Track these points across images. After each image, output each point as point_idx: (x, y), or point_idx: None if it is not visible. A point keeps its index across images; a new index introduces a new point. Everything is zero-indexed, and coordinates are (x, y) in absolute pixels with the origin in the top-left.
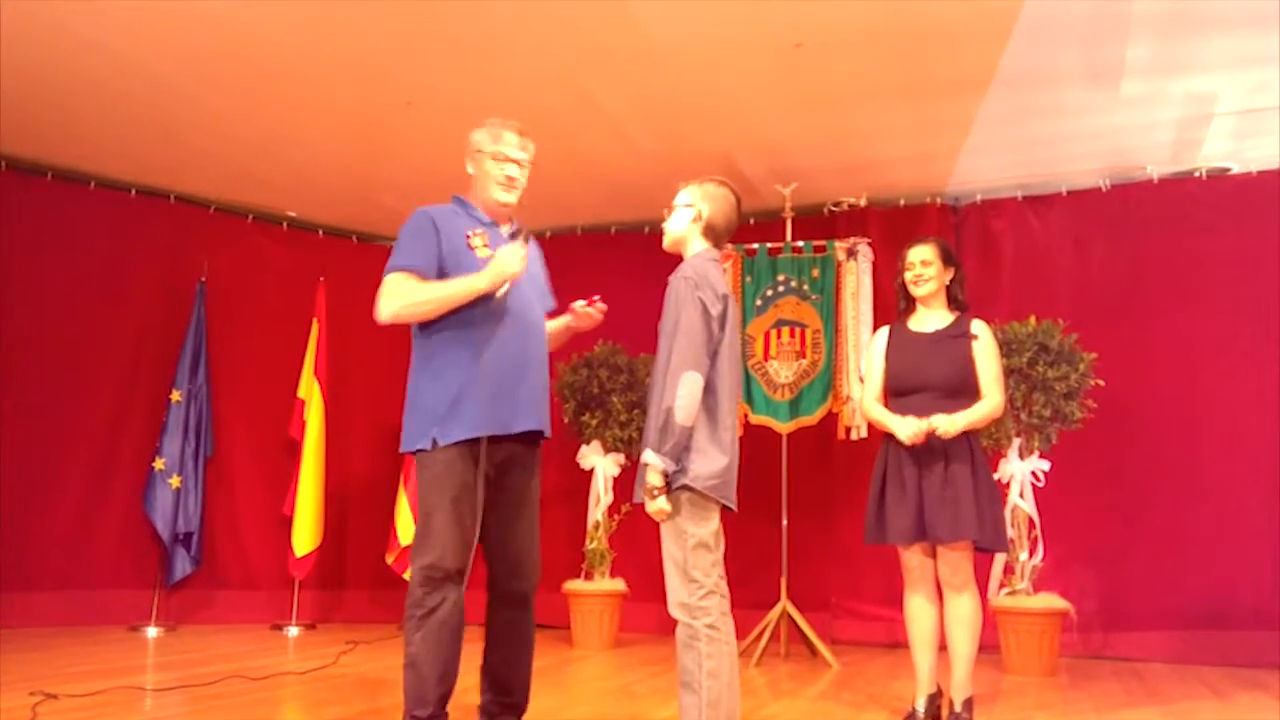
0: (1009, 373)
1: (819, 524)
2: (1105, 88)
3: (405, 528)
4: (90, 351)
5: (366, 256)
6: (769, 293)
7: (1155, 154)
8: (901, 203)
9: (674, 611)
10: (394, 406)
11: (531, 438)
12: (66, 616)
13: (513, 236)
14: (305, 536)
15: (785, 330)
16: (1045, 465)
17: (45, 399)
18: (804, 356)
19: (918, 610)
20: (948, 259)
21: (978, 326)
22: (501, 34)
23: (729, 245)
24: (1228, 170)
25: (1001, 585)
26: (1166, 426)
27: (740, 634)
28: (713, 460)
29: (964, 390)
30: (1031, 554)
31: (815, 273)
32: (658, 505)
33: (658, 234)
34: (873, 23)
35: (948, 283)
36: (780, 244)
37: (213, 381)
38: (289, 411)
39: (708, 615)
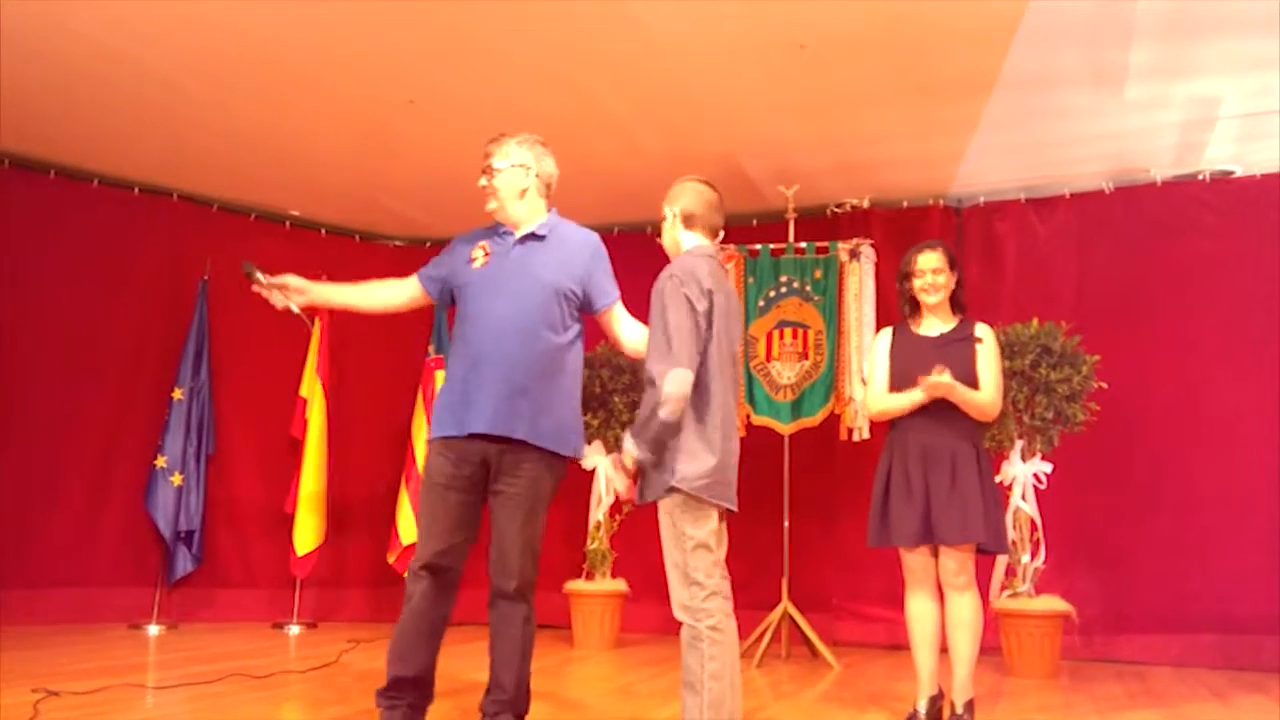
0: (1012, 375)
1: (820, 525)
2: (1109, 91)
3: (407, 527)
4: (92, 349)
5: (369, 255)
6: (771, 294)
7: (1159, 157)
8: (905, 204)
9: (677, 613)
10: (396, 405)
11: (495, 441)
12: (68, 614)
13: (521, 241)
14: (307, 535)
15: (788, 331)
16: (1048, 467)
17: (47, 396)
18: (806, 358)
19: (919, 611)
20: (953, 264)
21: (982, 330)
22: (504, 34)
23: (731, 246)
24: (1231, 173)
25: (1003, 587)
26: (1169, 429)
27: (741, 635)
28: (699, 461)
29: None
30: (1033, 556)
31: (818, 274)
32: (625, 482)
33: (660, 236)
34: (876, 24)
35: (952, 288)
36: (783, 245)
37: (215, 379)
38: (291, 410)
39: (710, 617)
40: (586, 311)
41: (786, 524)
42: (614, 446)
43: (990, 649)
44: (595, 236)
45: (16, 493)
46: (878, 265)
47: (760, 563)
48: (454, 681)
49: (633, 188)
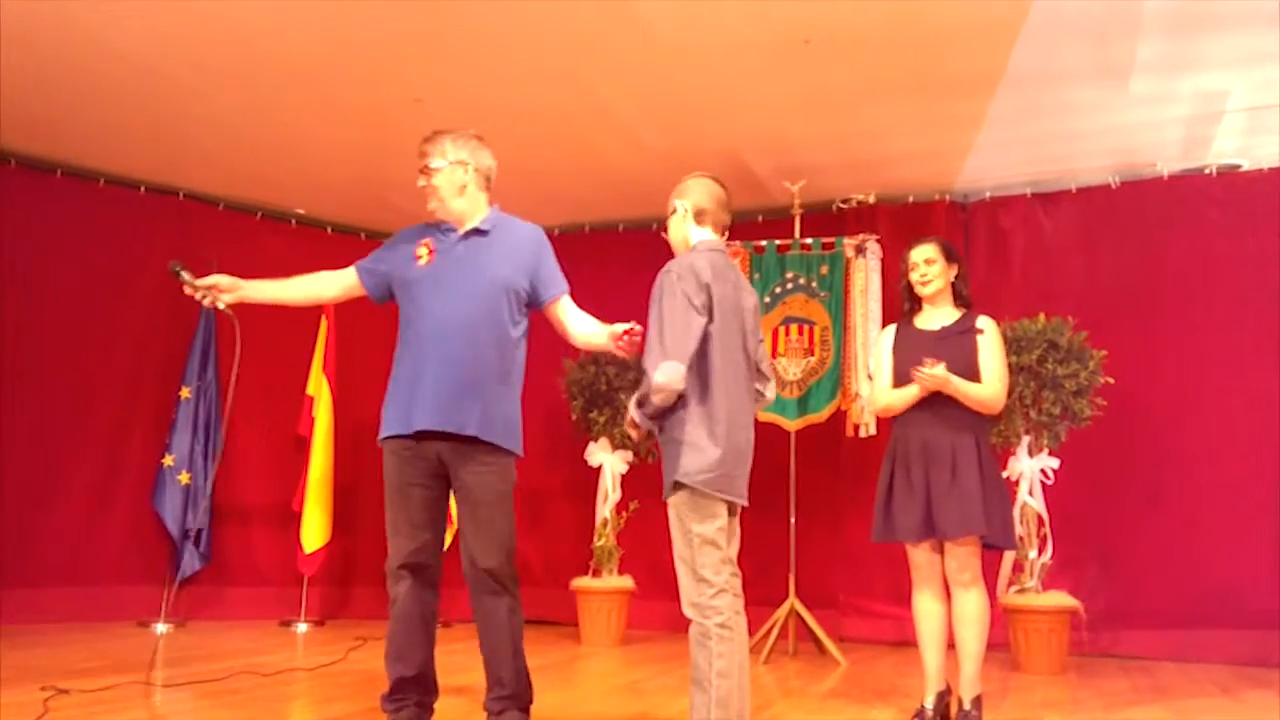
0: (1018, 370)
1: (827, 521)
2: (1115, 85)
3: None
4: (100, 348)
5: None
6: (777, 290)
7: (1165, 151)
8: (910, 200)
9: (686, 610)
10: None
11: (444, 438)
12: (76, 612)
13: (465, 237)
14: (314, 533)
15: (794, 327)
16: (1054, 463)
17: (55, 395)
18: (812, 354)
19: (926, 608)
20: (950, 256)
21: (984, 321)
22: (509, 32)
23: (737, 243)
24: (1238, 167)
25: (1010, 583)
26: (1176, 424)
27: (748, 631)
28: (705, 454)
29: None
30: (1040, 552)
31: (824, 270)
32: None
33: (665, 231)
34: (882, 19)
35: (952, 280)
36: (789, 241)
37: (222, 378)
38: (298, 408)
39: (719, 614)
40: (534, 306)
41: (793, 520)
42: (620, 444)
43: (997, 644)
44: (539, 229)
45: (25, 491)
46: (884, 261)
47: (767, 559)
48: (456, 680)
49: (637, 185)
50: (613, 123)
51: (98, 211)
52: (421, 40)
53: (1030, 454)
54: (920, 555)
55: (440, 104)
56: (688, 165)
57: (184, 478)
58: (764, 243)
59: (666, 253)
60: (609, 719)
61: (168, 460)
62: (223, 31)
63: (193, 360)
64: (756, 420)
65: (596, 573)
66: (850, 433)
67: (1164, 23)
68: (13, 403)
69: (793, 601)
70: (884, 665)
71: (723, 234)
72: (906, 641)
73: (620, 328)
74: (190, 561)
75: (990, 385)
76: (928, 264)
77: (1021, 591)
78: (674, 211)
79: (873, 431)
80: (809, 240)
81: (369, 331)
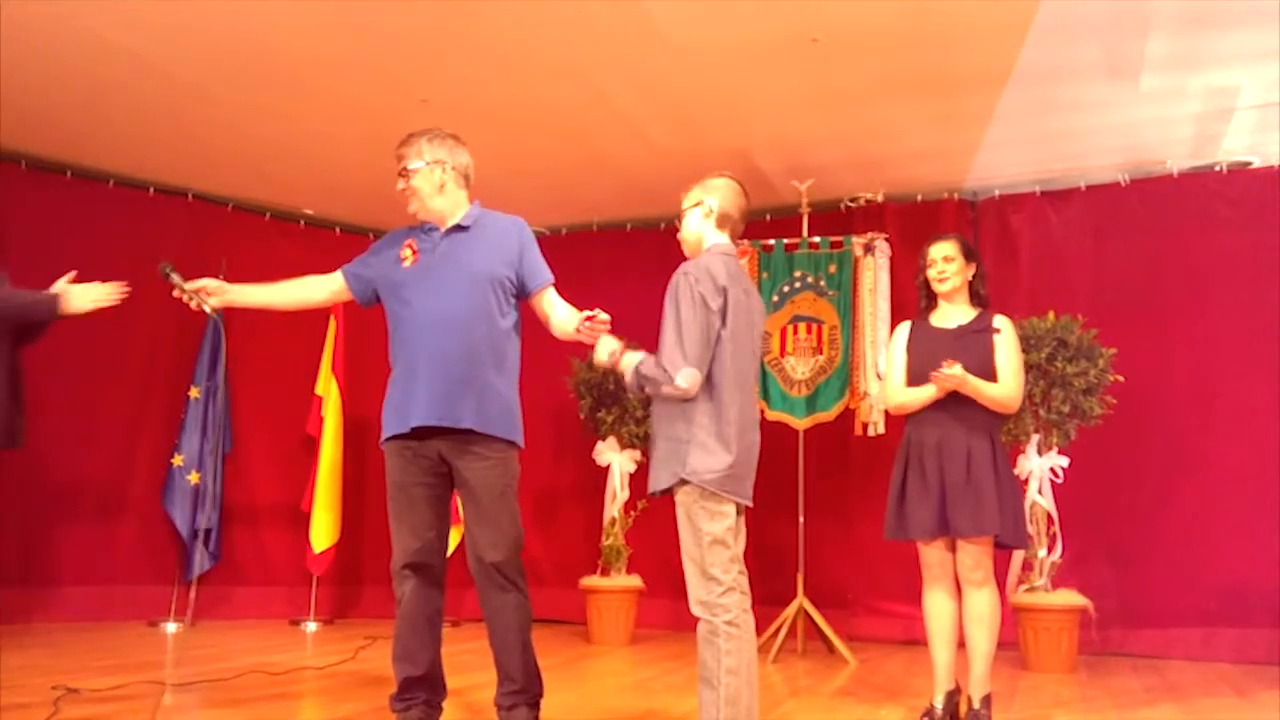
0: (1028, 368)
1: (836, 520)
2: (1125, 82)
3: None
4: (109, 349)
5: None
6: (785, 289)
7: (1175, 148)
8: (919, 198)
9: (694, 609)
10: None
11: (443, 434)
12: (86, 612)
13: (447, 234)
14: (323, 532)
15: (802, 326)
16: (1064, 461)
17: (65, 396)
18: (820, 353)
19: (937, 606)
20: (969, 255)
21: (1000, 321)
22: (517, 32)
23: (745, 241)
24: (1248, 164)
25: (1020, 582)
26: (1186, 422)
27: (757, 631)
28: (715, 456)
29: None
30: (1050, 550)
31: (832, 269)
32: (602, 352)
33: (674, 230)
34: (890, 18)
35: (970, 278)
36: (797, 240)
37: (231, 378)
38: (307, 408)
39: (727, 612)
40: (522, 296)
41: (801, 520)
42: (628, 443)
43: (1007, 643)
44: (521, 220)
45: (35, 491)
46: (892, 259)
47: (776, 558)
48: (467, 680)
49: (646, 184)
50: (621, 122)
51: (107, 213)
52: (428, 41)
53: (1040, 452)
54: (932, 554)
55: (447, 104)
56: (696, 164)
57: (193, 477)
58: (772, 241)
59: (675, 252)
60: (618, 717)
61: (177, 460)
62: (231, 33)
63: (202, 360)
64: (765, 419)
65: (605, 572)
66: (859, 431)
67: (1173, 20)
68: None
69: (801, 600)
70: (893, 664)
71: (734, 241)
72: (915, 640)
73: (585, 314)
74: (200, 561)
75: (1007, 385)
76: (946, 261)
77: (1031, 590)
78: (698, 204)
79: (881, 430)
80: (817, 239)
81: (378, 332)
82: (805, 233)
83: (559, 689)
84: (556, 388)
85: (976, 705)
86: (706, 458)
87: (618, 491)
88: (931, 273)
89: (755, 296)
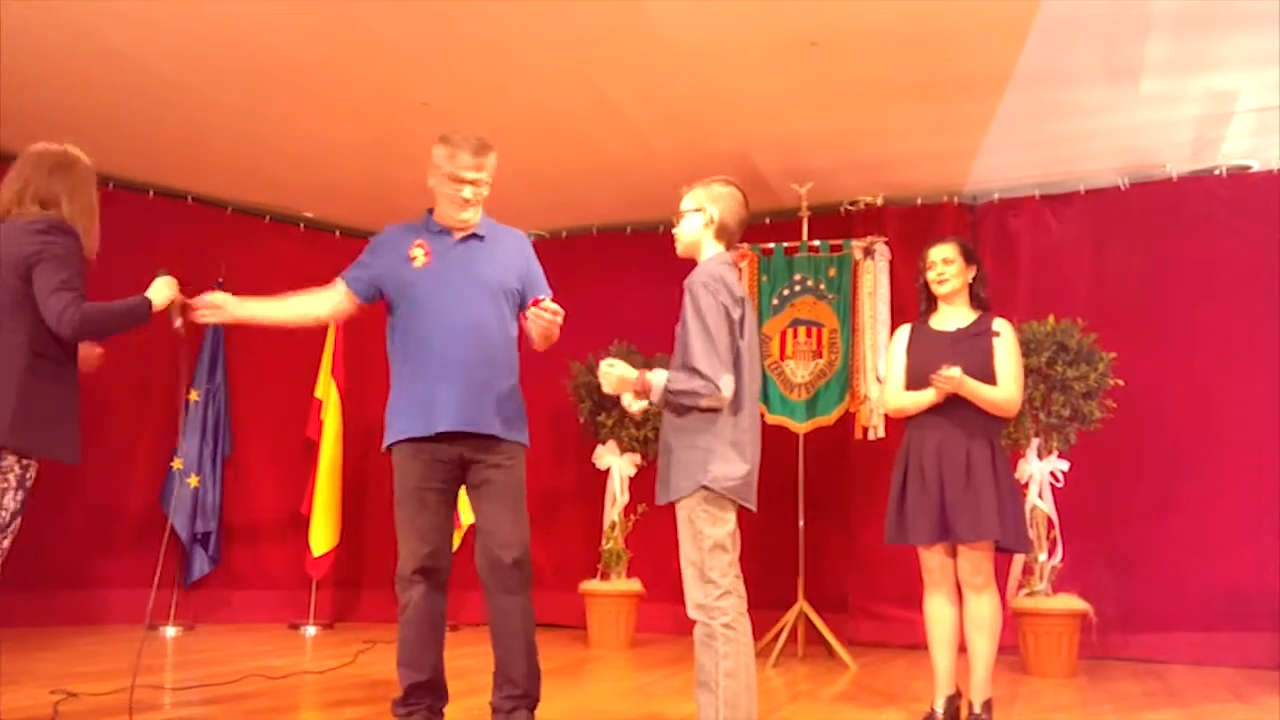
0: (1028, 372)
1: (836, 524)
2: (1124, 86)
3: None
4: (109, 352)
5: None
6: (785, 292)
7: (1174, 152)
8: (918, 202)
9: (692, 612)
10: None
11: (465, 439)
12: (85, 615)
13: (463, 240)
14: (322, 536)
15: (801, 330)
16: (1064, 465)
17: None
18: (820, 356)
19: (937, 611)
20: (969, 257)
21: (1000, 324)
22: (517, 36)
23: (744, 245)
24: (1248, 168)
25: (1020, 586)
26: (1186, 426)
27: (757, 635)
28: (732, 464)
29: None
30: (1050, 555)
31: (832, 272)
32: (613, 382)
33: (672, 234)
34: (889, 21)
35: (970, 281)
36: (797, 243)
37: (230, 381)
38: (306, 411)
39: (724, 615)
40: (521, 308)
41: (802, 523)
42: (628, 446)
43: (1007, 648)
44: (522, 233)
45: (33, 494)
46: (892, 263)
47: (776, 562)
48: (465, 684)
49: (645, 187)
50: (620, 125)
51: (106, 215)
52: (429, 44)
53: (1040, 456)
54: (933, 558)
55: (448, 107)
56: (695, 167)
57: (193, 481)
58: (772, 245)
59: (674, 255)
60: None
61: (177, 464)
62: (230, 35)
63: (202, 364)
64: (765, 423)
65: (605, 576)
66: (859, 435)
67: (1173, 23)
68: None
69: (802, 604)
70: (893, 668)
71: (729, 249)
72: (915, 645)
73: (533, 300)
74: (199, 564)
75: (1006, 388)
76: (945, 263)
77: (1031, 594)
78: (698, 211)
79: (881, 434)
80: (817, 242)
81: (378, 335)
82: (805, 236)
83: (558, 693)
84: (556, 391)
85: (977, 710)
86: (727, 466)
87: (617, 495)
88: (931, 275)
89: (752, 307)
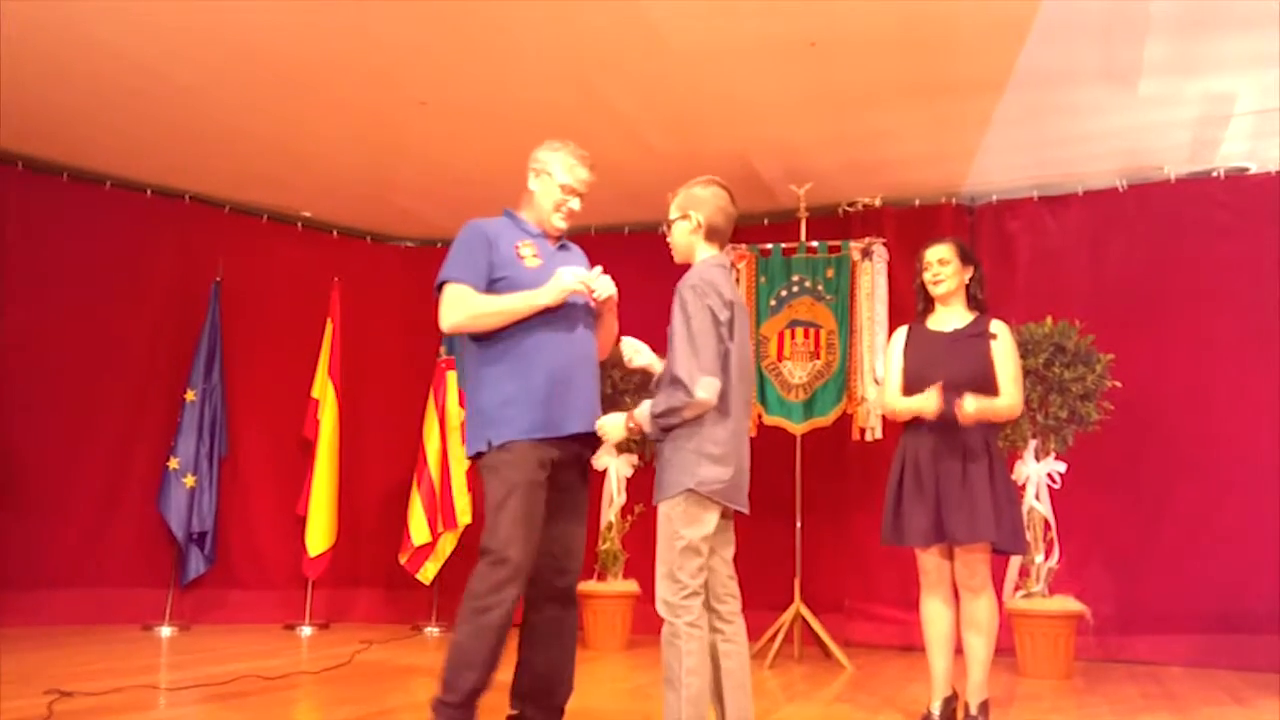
0: (1025, 374)
1: (833, 525)
2: (1122, 87)
3: (418, 527)
4: (105, 351)
5: (381, 257)
6: (783, 293)
7: (1173, 154)
8: (917, 203)
9: (659, 609)
10: (407, 407)
11: (585, 440)
12: (80, 615)
13: (562, 248)
14: (319, 536)
15: (799, 331)
16: (1061, 467)
17: (60, 398)
18: (818, 357)
19: (934, 613)
20: (966, 258)
21: (997, 326)
22: (515, 35)
23: (742, 245)
24: (1246, 170)
25: (1017, 587)
26: (1184, 428)
27: (753, 635)
28: (720, 466)
29: (983, 390)
30: (1047, 556)
31: (830, 273)
32: (615, 432)
33: (668, 230)
34: (888, 22)
35: (966, 282)
36: (795, 244)
37: (227, 381)
38: (303, 411)
39: (689, 614)
40: None
41: (799, 524)
42: (625, 447)
43: (1004, 649)
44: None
45: (29, 494)
46: (890, 264)
47: (772, 563)
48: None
49: (643, 188)
50: (618, 125)
51: (104, 214)
52: (426, 43)
53: (1037, 458)
54: (929, 560)
55: (445, 107)
56: (694, 168)
57: (189, 480)
58: (770, 246)
59: (672, 257)
60: None
61: (173, 463)
62: (229, 35)
63: (198, 363)
64: (762, 424)
65: (601, 577)
66: (856, 436)
67: (1172, 25)
68: (19, 405)
69: (798, 606)
70: (890, 670)
71: (723, 248)
72: (912, 646)
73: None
74: (195, 564)
75: (1010, 396)
76: (941, 264)
77: (1028, 596)
78: (684, 218)
79: (879, 435)
80: (815, 243)
81: (376, 336)
82: (803, 237)
83: None
84: None
85: (974, 711)
86: (714, 468)
87: (614, 496)
88: (927, 276)
89: (745, 309)
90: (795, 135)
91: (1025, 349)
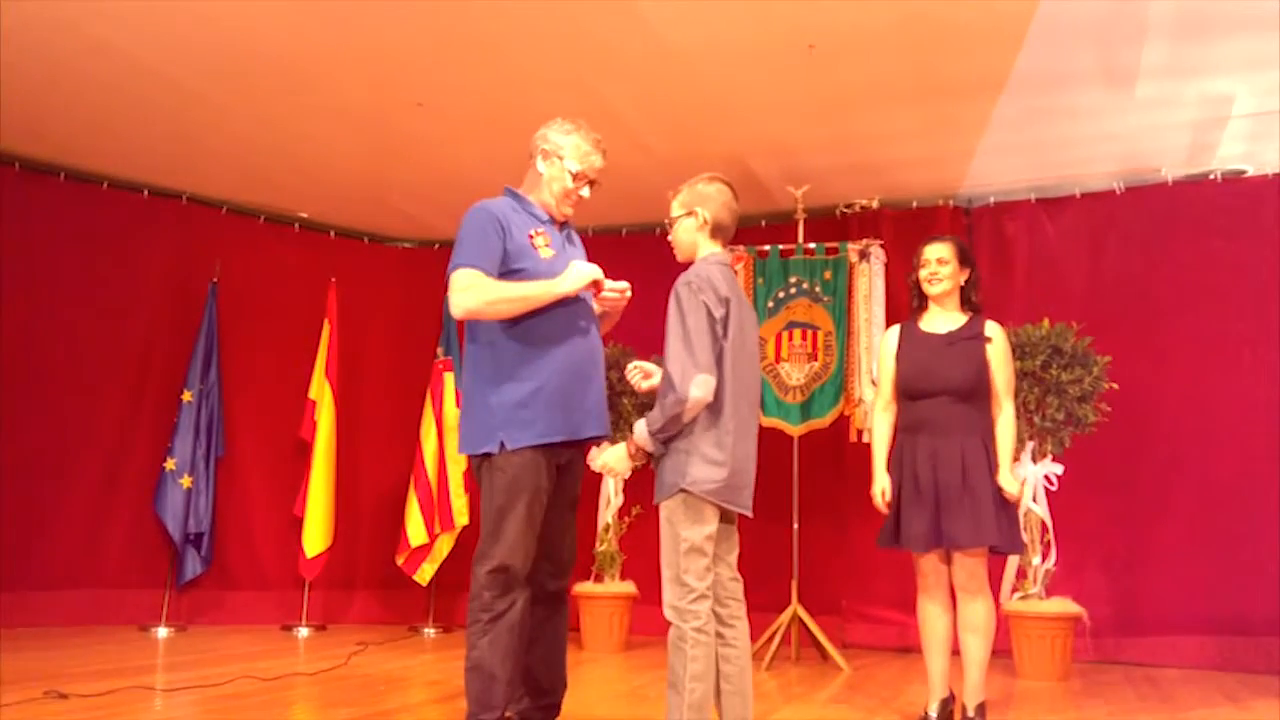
0: (1022, 375)
1: (830, 527)
2: (1120, 90)
3: (415, 529)
4: (102, 351)
5: (378, 257)
6: (780, 294)
7: (1170, 156)
8: (914, 204)
9: (667, 614)
10: (405, 407)
11: (592, 440)
12: (77, 616)
13: (568, 238)
14: (316, 537)
15: (797, 332)
16: (1058, 469)
17: (57, 398)
18: (815, 359)
19: (932, 615)
20: (964, 259)
21: (992, 329)
22: (513, 36)
23: (740, 247)
24: (1243, 172)
25: (1014, 589)
26: (1181, 430)
27: (751, 637)
28: (713, 466)
29: (977, 393)
30: (1044, 558)
31: (827, 275)
32: (621, 465)
33: (669, 238)
34: (886, 24)
35: (962, 283)
36: (792, 246)
37: (224, 382)
38: (300, 412)
39: (697, 619)
40: None
41: (796, 526)
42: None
43: (1001, 651)
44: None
45: (26, 494)
46: (887, 266)
47: (770, 565)
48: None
49: (641, 189)
50: (616, 127)
51: (101, 215)
52: (424, 44)
53: (1034, 460)
54: (927, 563)
55: (442, 108)
56: (691, 169)
57: (186, 481)
58: (767, 247)
59: (670, 257)
60: None
61: (170, 464)
62: (226, 35)
63: (195, 364)
64: (760, 426)
65: (599, 578)
66: (854, 438)
67: (1169, 27)
68: (15, 405)
69: (796, 607)
70: (887, 672)
71: (726, 245)
72: (909, 648)
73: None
74: (192, 565)
75: (1007, 410)
76: (940, 263)
77: (1025, 598)
78: (690, 215)
79: None
80: (813, 245)
81: (373, 336)
82: (801, 238)
83: None
84: None
85: (971, 713)
86: (706, 468)
87: (611, 497)
88: (923, 273)
89: (749, 306)
90: (793, 137)
91: (1022, 350)
